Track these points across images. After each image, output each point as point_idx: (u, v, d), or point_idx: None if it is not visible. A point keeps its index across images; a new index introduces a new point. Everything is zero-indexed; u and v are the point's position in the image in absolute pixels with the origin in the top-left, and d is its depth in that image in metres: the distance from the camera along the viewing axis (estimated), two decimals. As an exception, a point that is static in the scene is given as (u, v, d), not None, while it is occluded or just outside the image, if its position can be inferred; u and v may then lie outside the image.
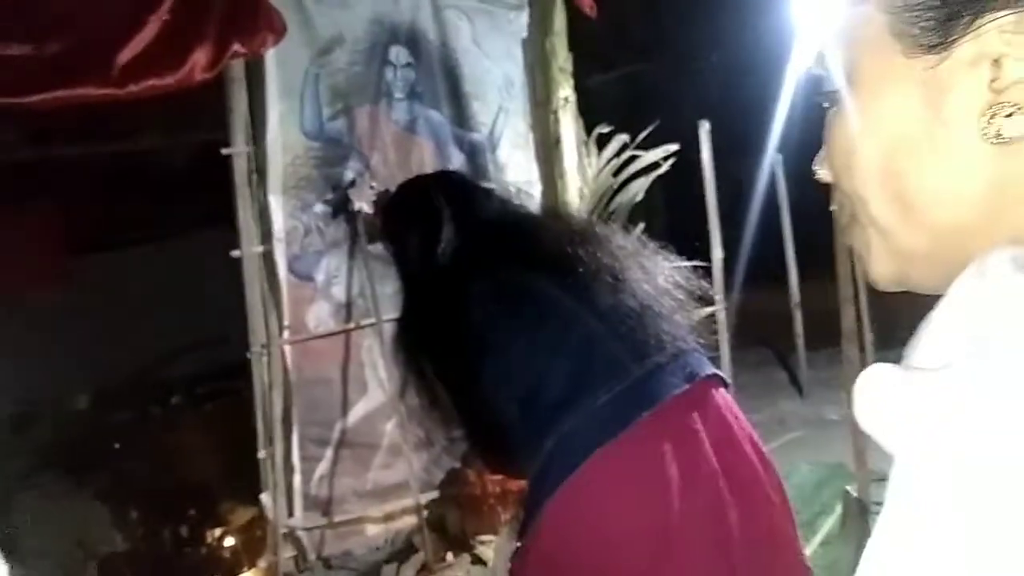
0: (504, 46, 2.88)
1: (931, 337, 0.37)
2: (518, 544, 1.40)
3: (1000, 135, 0.37)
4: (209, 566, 2.78)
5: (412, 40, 2.73)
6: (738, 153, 3.16)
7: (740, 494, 1.32)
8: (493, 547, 2.35)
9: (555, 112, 2.78)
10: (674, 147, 3.02)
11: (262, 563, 2.63)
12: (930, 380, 0.34)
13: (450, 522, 2.71)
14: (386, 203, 1.93)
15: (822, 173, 0.48)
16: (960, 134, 0.39)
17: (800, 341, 3.49)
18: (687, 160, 3.03)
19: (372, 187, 2.64)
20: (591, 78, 3.15)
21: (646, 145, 3.09)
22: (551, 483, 1.30)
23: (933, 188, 0.41)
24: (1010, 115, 0.37)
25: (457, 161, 2.87)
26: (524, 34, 2.93)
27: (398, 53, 2.71)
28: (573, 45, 2.97)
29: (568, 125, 2.83)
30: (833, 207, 0.49)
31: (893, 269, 0.45)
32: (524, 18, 2.92)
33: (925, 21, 0.39)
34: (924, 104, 0.40)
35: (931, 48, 0.39)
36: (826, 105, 0.47)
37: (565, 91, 2.79)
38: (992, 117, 0.38)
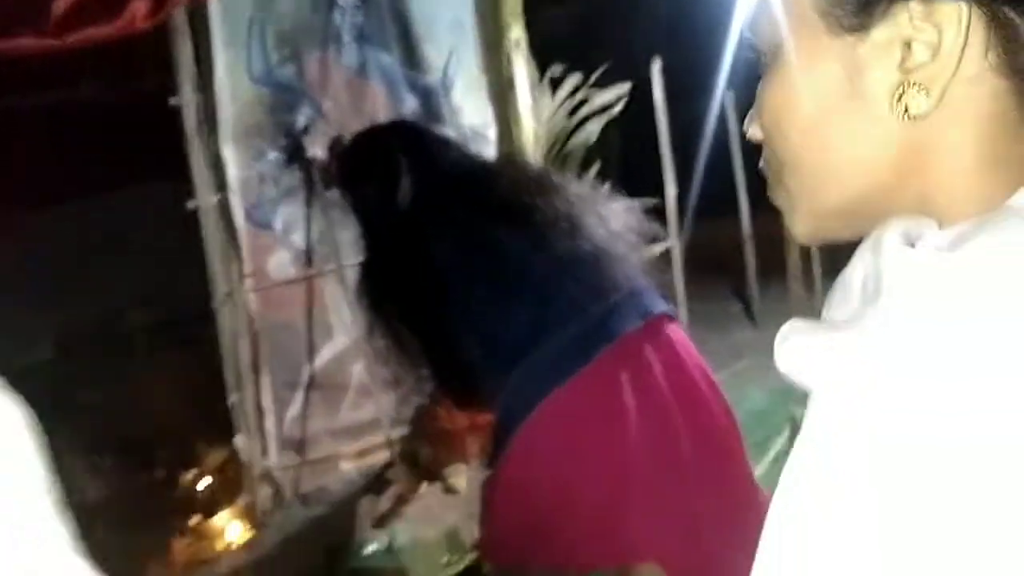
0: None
1: (841, 297, 0.43)
2: (489, 472, 1.50)
3: (907, 111, 0.42)
4: (185, 507, 2.86)
5: (358, -19, 2.68)
6: (691, 90, 3.20)
7: (691, 419, 1.44)
8: (464, 476, 2.47)
9: (507, 54, 2.78)
10: (627, 86, 3.05)
11: (240, 502, 2.73)
12: (839, 339, 0.39)
13: (422, 455, 2.83)
14: (342, 154, 1.93)
15: (752, 132, 0.52)
16: (875, 108, 0.43)
17: (752, 273, 3.62)
18: (641, 98, 3.06)
19: (325, 133, 2.64)
20: (542, 16, 3.13)
21: (600, 84, 3.11)
22: (518, 415, 1.40)
23: (851, 155, 0.45)
24: (915, 96, 0.42)
25: (411, 105, 2.86)
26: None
27: (345, -5, 2.67)
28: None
29: (520, 67, 2.83)
30: (761, 164, 0.53)
31: (812, 226, 0.50)
32: (472, -42, 2.89)
33: (847, 4, 0.43)
34: (844, 79, 0.44)
35: (851, 30, 0.43)
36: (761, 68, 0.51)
37: (516, 33, 2.78)
38: (900, 96, 0.42)
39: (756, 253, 3.52)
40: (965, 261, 0.37)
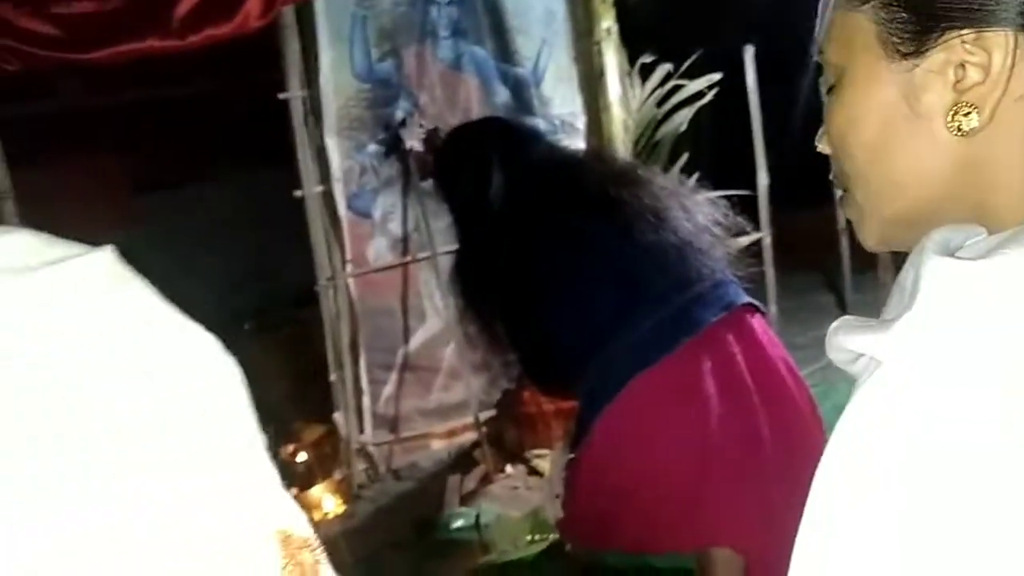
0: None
1: (897, 299, 0.46)
2: (571, 456, 1.56)
3: (961, 129, 0.47)
4: (283, 479, 3.04)
5: (455, -22, 2.77)
6: (785, 77, 3.13)
7: (772, 408, 1.45)
8: (548, 459, 2.54)
9: (598, 44, 2.81)
10: (717, 76, 3.02)
11: (337, 475, 2.89)
12: (873, 340, 0.42)
13: (507, 438, 2.92)
14: (438, 151, 2.02)
15: (822, 146, 0.57)
16: (931, 127, 0.48)
17: (846, 265, 3.52)
18: (734, 86, 3.03)
19: (421, 125, 2.75)
20: (633, 5, 3.13)
21: (691, 74, 3.09)
22: (601, 401, 1.45)
23: (911, 170, 0.50)
24: (968, 114, 0.46)
25: (502, 96, 2.94)
26: (564, -35, 2.94)
27: (441, -9, 2.77)
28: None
29: (611, 56, 2.85)
30: (831, 177, 0.58)
31: (880, 234, 0.55)
32: (566, -50, 2.93)
33: (904, 33, 0.48)
34: (902, 100, 0.49)
35: (908, 55, 0.48)
36: (826, 91, 0.55)
37: (607, 22, 2.80)
38: (955, 115, 0.47)
39: (849, 245, 3.43)
40: (997, 270, 0.40)
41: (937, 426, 0.39)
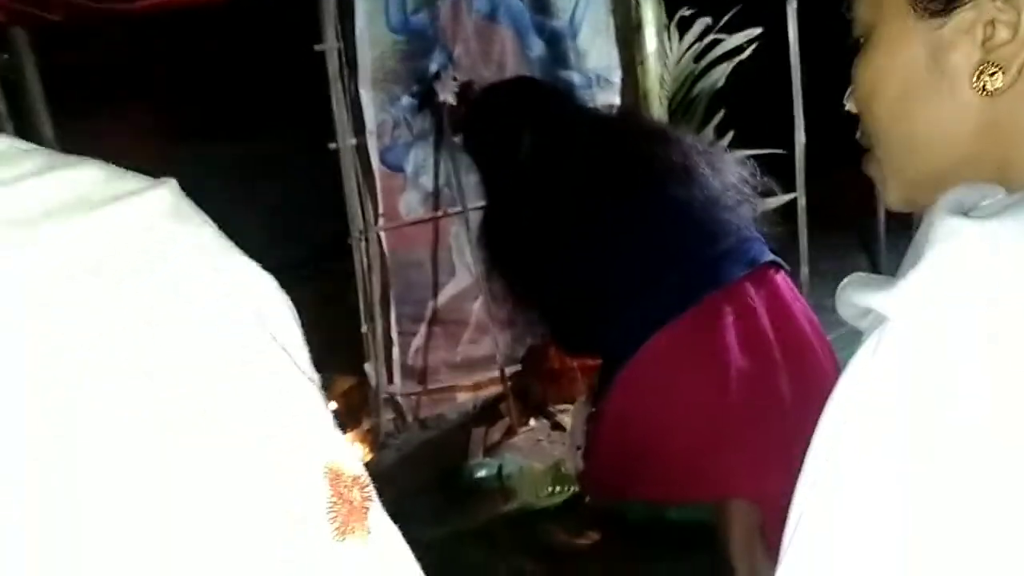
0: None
1: (911, 258, 0.45)
2: (593, 409, 1.59)
3: (986, 89, 0.46)
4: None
5: (491, -70, 2.73)
6: (829, 33, 3.04)
7: (793, 361, 1.47)
8: (571, 413, 2.58)
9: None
10: (757, 30, 2.94)
11: (366, 424, 2.97)
12: (879, 298, 0.41)
13: (532, 392, 2.96)
14: (468, 112, 2.03)
15: (850, 105, 0.56)
16: (956, 86, 0.48)
17: (881, 226, 3.46)
18: (775, 42, 2.96)
19: (455, 79, 2.74)
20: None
21: (730, 28, 3.02)
22: (623, 353, 1.48)
23: (935, 128, 0.50)
24: (994, 73, 0.46)
25: (537, 49, 2.91)
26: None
27: (478, -58, 2.73)
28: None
29: (649, 9, 2.80)
30: (858, 136, 0.57)
31: (903, 194, 0.54)
32: None
33: None
34: (930, 59, 0.48)
35: (937, 13, 0.48)
36: (855, 48, 0.54)
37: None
38: (980, 75, 0.46)
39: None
40: (1005, 230, 0.40)
41: (938, 386, 0.39)
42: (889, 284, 0.42)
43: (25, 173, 0.32)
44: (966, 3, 0.47)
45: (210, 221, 0.36)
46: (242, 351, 0.33)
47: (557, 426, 2.84)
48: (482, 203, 2.86)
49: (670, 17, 3.02)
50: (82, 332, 0.30)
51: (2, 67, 2.49)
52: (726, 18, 3.03)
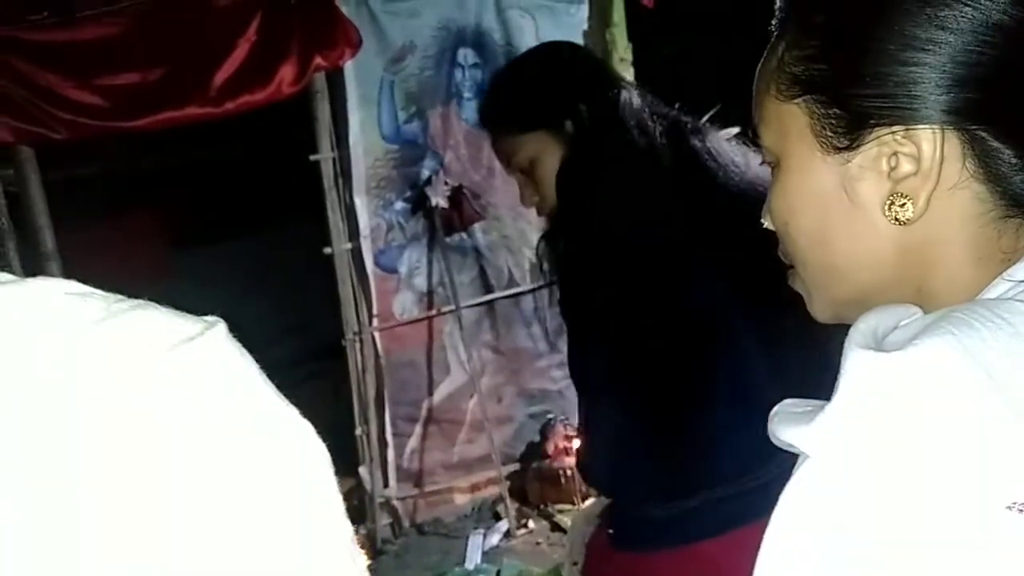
0: (567, 39, 2.99)
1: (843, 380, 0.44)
2: (610, 531, 1.24)
3: (898, 219, 0.49)
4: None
5: (478, 42, 2.88)
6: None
7: None
8: (570, 525, 2.53)
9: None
10: (735, 130, 3.06)
11: (362, 530, 2.90)
12: (800, 432, 0.42)
13: (530, 492, 2.91)
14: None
15: (767, 224, 0.58)
16: (870, 215, 0.50)
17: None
18: (749, 143, 3.06)
19: (446, 183, 2.83)
20: (655, 59, 3.21)
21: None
22: (679, 535, 1.14)
23: (853, 256, 0.51)
24: (903, 204, 0.48)
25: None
26: (585, 26, 3.04)
27: (465, 55, 2.87)
28: (634, 29, 3.05)
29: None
30: (779, 253, 0.58)
31: (829, 312, 0.56)
32: (584, 11, 3.03)
33: (837, 128, 0.50)
34: (840, 190, 0.50)
35: (842, 149, 0.50)
36: (768, 168, 0.56)
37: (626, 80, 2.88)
38: (891, 206, 0.49)
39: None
40: (910, 363, 0.40)
41: (854, 522, 0.39)
42: (808, 419, 0.42)
43: (85, 322, 0.33)
44: (868, 140, 0.48)
45: (252, 361, 0.37)
46: (279, 524, 0.34)
47: (556, 527, 2.78)
48: (475, 301, 2.92)
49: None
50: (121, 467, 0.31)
51: (5, 181, 2.57)
52: (706, 116, 3.15)
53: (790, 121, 0.52)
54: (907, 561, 0.38)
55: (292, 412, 0.36)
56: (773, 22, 0.55)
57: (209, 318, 0.36)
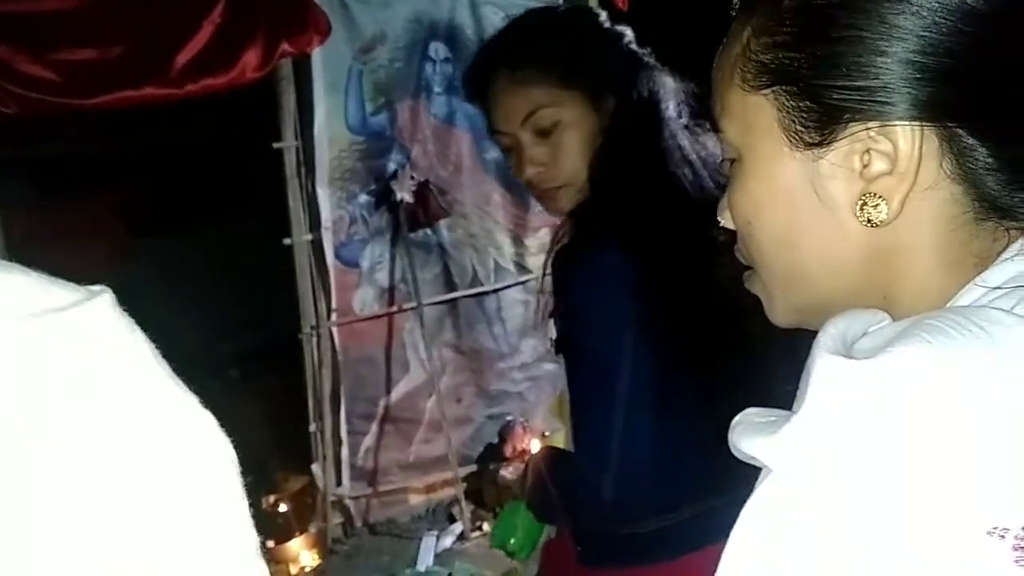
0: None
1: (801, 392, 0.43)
2: (578, 548, 1.18)
3: (871, 220, 0.46)
4: (263, 531, 2.97)
5: (450, 36, 2.84)
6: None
7: None
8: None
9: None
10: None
11: (312, 529, 2.83)
12: (765, 443, 0.40)
13: (487, 495, 2.86)
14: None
15: (724, 222, 0.55)
16: (840, 217, 0.46)
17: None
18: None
19: (412, 178, 2.78)
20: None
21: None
22: (662, 549, 1.07)
23: (820, 260, 0.48)
24: (876, 205, 0.45)
25: (494, 152, 2.98)
26: (558, 28, 3.02)
27: (437, 49, 2.83)
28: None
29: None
30: (736, 253, 0.55)
31: (789, 317, 0.53)
32: (558, 12, 3.01)
33: (808, 122, 0.46)
34: (810, 190, 0.47)
35: (812, 145, 0.46)
36: (725, 165, 0.53)
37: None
38: (863, 206, 0.46)
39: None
40: (882, 370, 0.38)
41: (820, 535, 0.38)
42: (772, 429, 0.40)
43: None
44: (842, 136, 0.45)
45: (145, 340, 0.32)
46: (169, 509, 0.30)
47: (512, 530, 2.74)
48: (437, 299, 2.87)
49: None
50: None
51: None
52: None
53: (756, 113, 0.49)
54: None
55: (190, 400, 0.32)
56: (734, 2, 0.51)
57: (95, 287, 0.31)
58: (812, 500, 0.38)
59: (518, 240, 3.00)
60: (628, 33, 1.10)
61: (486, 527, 2.79)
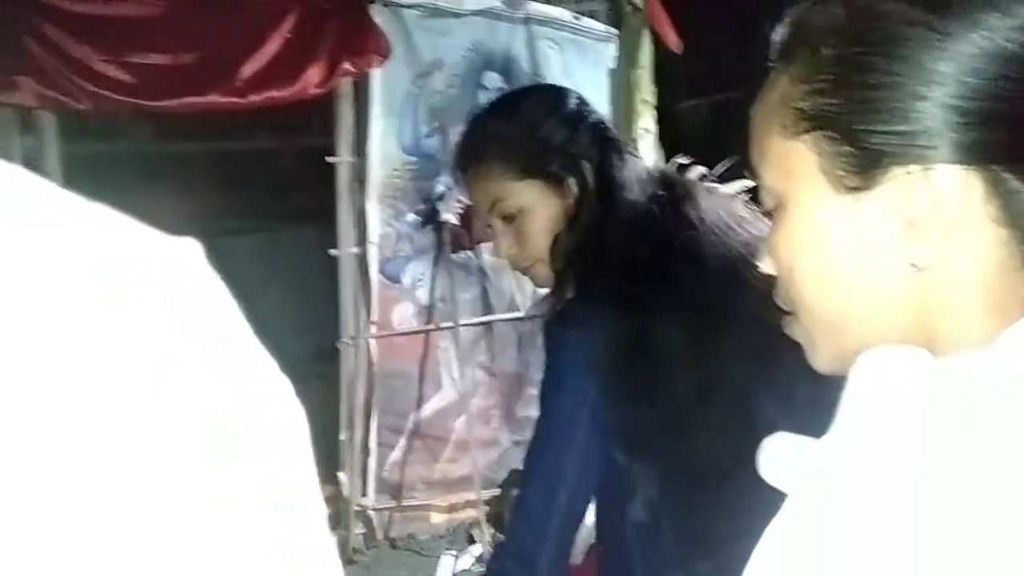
0: (592, 76, 3.01)
1: (842, 413, 0.42)
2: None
3: (913, 264, 0.44)
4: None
5: (506, 67, 2.90)
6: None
7: None
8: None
9: (633, 140, 2.90)
10: (750, 183, 3.07)
11: (334, 536, 2.87)
12: (795, 468, 0.40)
13: (507, 519, 2.87)
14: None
15: (766, 268, 0.53)
16: (883, 259, 0.46)
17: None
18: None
19: (459, 201, 2.83)
20: (679, 106, 3.22)
21: (724, 178, 3.13)
22: None
23: (862, 303, 0.47)
24: (919, 248, 0.44)
25: (541, 180, 3.02)
26: (612, 64, 3.06)
27: (491, 78, 2.89)
28: (662, 73, 3.06)
29: (646, 155, 2.94)
30: (776, 298, 0.54)
31: (832, 364, 0.50)
32: (611, 49, 3.05)
33: (849, 166, 0.46)
34: (851, 232, 0.46)
35: (854, 189, 0.46)
36: (766, 212, 0.52)
37: (645, 122, 2.89)
38: (906, 250, 0.44)
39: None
40: (932, 379, 0.38)
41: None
42: (816, 448, 0.40)
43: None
44: (883, 179, 0.45)
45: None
46: (244, 464, 0.29)
47: (529, 557, 2.74)
48: (473, 320, 2.91)
49: (666, 161, 3.15)
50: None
51: (26, 150, 2.59)
52: (720, 167, 3.15)
53: (796, 159, 0.48)
54: None
55: (272, 362, 0.32)
56: (771, 54, 0.51)
57: (185, 238, 0.32)
58: (837, 524, 0.37)
59: (558, 268, 3.03)
60: (595, 113, 1.13)
61: (504, 551, 2.80)
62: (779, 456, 0.42)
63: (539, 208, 1.07)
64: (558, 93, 1.16)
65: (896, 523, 0.36)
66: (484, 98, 2.91)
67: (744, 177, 1.34)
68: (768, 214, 0.54)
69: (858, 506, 0.37)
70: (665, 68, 3.08)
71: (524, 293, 3.04)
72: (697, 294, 0.98)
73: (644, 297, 0.97)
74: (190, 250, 0.31)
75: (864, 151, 0.45)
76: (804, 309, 0.51)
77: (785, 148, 0.49)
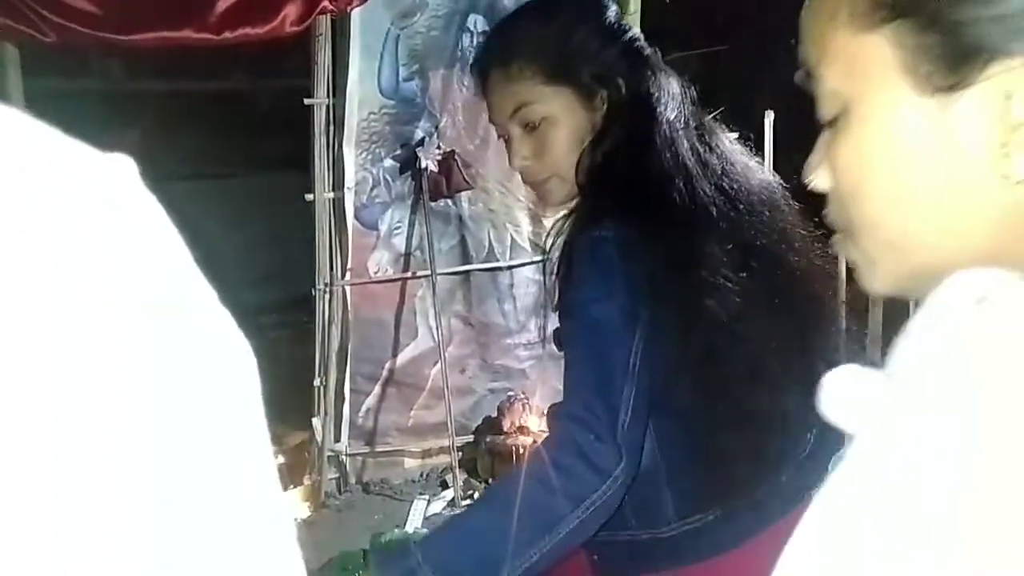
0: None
1: (903, 348, 0.36)
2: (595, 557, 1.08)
3: (1007, 176, 0.38)
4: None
5: (490, 10, 2.83)
6: (801, 147, 3.17)
7: None
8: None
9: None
10: (734, 135, 3.05)
11: (307, 481, 2.89)
12: (883, 388, 0.35)
13: (481, 466, 2.91)
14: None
15: (815, 184, 0.47)
16: (971, 171, 0.39)
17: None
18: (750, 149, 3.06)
19: (439, 147, 2.79)
20: (669, 57, 3.18)
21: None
22: (687, 553, 0.99)
23: (943, 223, 0.41)
24: (1018, 157, 0.38)
25: (522, 128, 2.98)
26: (599, 11, 3.00)
27: (475, 21, 2.82)
28: (651, 25, 3.01)
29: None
30: (827, 218, 0.48)
31: (891, 286, 0.45)
32: (601, -5, 2.99)
33: (938, 61, 0.39)
34: (935, 140, 0.40)
35: (944, 89, 0.39)
36: (826, 123, 0.46)
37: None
38: (1000, 160, 0.38)
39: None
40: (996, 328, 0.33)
41: (925, 487, 0.32)
42: (883, 382, 0.35)
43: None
44: (979, 77, 0.39)
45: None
46: (187, 407, 0.27)
47: (501, 503, 2.78)
48: (451, 269, 2.90)
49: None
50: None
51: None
52: (708, 117, 3.13)
53: (870, 55, 0.41)
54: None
55: (215, 295, 0.29)
56: None
57: (115, 154, 0.29)
58: (920, 454, 0.32)
59: (537, 220, 3.01)
60: (632, 29, 1.09)
61: (477, 496, 2.84)
62: (846, 392, 0.36)
63: (566, 118, 1.02)
64: (598, 2, 1.10)
65: (990, 477, 0.31)
66: (468, 41, 2.84)
67: (731, 129, 1.34)
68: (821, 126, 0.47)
69: (941, 451, 0.32)
70: (653, 16, 3.03)
71: (503, 244, 3.02)
72: (730, 221, 0.97)
73: (678, 219, 0.95)
74: (124, 168, 0.29)
75: (958, 42, 0.39)
76: (865, 228, 0.45)
77: (856, 43, 0.42)
